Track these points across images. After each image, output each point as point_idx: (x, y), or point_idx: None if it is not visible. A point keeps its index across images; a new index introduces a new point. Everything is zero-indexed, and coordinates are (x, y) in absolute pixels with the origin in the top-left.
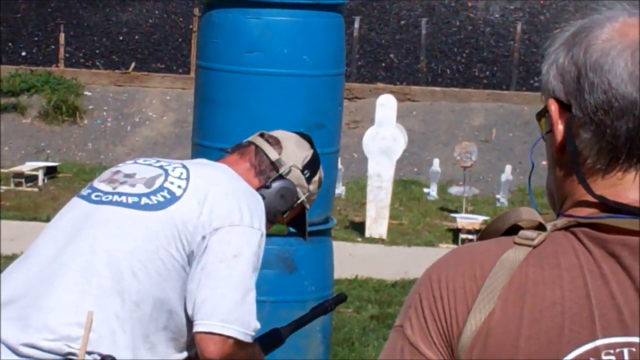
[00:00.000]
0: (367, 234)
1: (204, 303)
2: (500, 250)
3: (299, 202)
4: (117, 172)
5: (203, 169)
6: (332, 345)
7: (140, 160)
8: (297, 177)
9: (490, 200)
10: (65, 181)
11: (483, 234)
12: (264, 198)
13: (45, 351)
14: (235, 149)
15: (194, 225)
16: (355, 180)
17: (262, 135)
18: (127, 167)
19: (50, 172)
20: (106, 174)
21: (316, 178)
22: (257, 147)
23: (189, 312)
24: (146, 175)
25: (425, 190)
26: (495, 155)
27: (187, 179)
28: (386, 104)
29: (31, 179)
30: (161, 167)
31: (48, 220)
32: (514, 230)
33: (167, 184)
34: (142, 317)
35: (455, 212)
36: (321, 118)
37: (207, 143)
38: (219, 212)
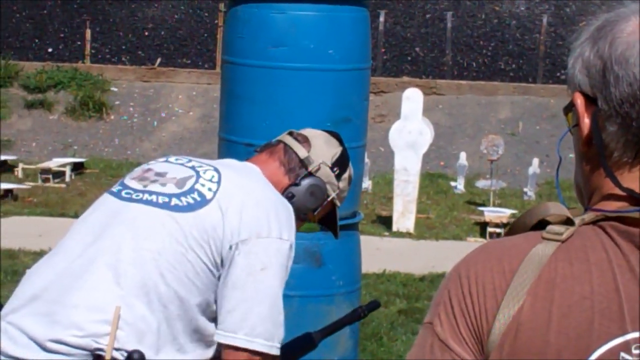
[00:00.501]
0: (394, 228)
1: (229, 315)
2: (529, 246)
3: (329, 199)
4: (149, 170)
5: (234, 173)
6: (361, 339)
7: (172, 159)
8: (326, 174)
9: (517, 194)
10: (92, 177)
11: (511, 229)
12: (293, 196)
13: (73, 347)
14: (264, 148)
15: (223, 231)
16: (382, 174)
17: (290, 134)
18: (158, 166)
19: (77, 168)
20: (137, 171)
21: (346, 175)
22: (285, 145)
23: (218, 320)
24: (177, 175)
25: (452, 183)
26: (522, 148)
27: (219, 182)
28: (412, 98)
29: (58, 175)
30: (193, 167)
31: (75, 216)
32: (541, 225)
33: (198, 186)
34: (169, 317)
35: (483, 205)
36: (347, 112)
37: (233, 138)
38: (248, 221)
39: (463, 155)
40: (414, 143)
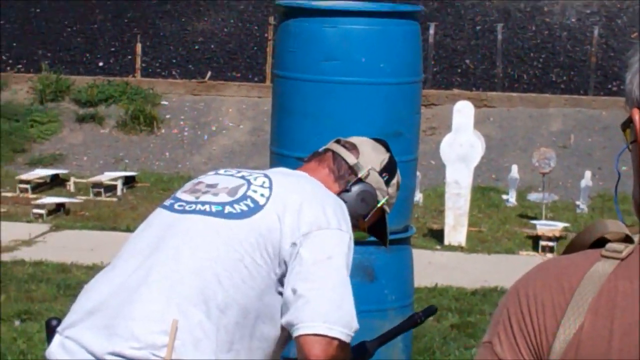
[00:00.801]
0: (445, 242)
1: (304, 306)
2: (588, 264)
3: (379, 205)
4: (199, 182)
5: (285, 178)
6: (413, 354)
7: (221, 171)
8: (376, 180)
9: (570, 207)
10: (144, 190)
11: (569, 247)
12: (345, 202)
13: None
14: (312, 157)
15: (281, 233)
16: (433, 188)
17: (338, 142)
18: (208, 178)
19: (128, 181)
20: (188, 185)
21: (394, 181)
22: (334, 153)
23: (285, 318)
24: (228, 185)
25: (504, 196)
26: (574, 161)
27: (270, 187)
28: (463, 111)
29: (110, 188)
30: (243, 177)
31: (127, 230)
32: (600, 242)
33: (250, 193)
34: (227, 324)
35: (535, 218)
36: (399, 126)
37: (285, 152)
38: (305, 218)
39: (514, 168)
40: (465, 156)
